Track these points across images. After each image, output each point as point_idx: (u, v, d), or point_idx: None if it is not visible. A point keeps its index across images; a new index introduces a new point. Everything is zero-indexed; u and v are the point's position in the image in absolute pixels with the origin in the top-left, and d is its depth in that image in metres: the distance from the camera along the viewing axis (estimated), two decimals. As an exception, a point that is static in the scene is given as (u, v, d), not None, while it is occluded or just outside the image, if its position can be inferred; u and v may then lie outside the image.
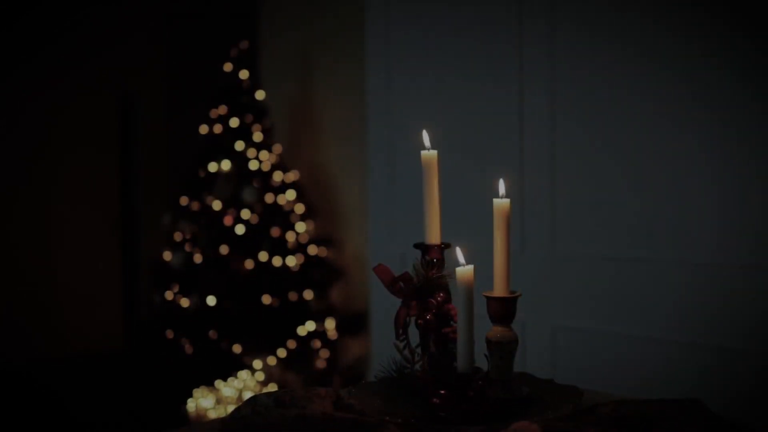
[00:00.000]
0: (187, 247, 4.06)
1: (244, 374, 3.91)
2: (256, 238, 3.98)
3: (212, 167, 4.08)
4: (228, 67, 4.16)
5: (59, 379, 4.79)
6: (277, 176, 4.09)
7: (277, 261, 3.97)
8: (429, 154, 1.58)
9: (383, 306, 3.38)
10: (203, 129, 4.16)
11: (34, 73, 4.92)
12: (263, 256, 3.95)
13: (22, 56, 4.90)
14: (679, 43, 2.74)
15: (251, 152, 4.07)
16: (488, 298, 1.50)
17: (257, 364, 3.93)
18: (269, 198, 4.04)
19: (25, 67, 4.90)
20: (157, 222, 4.49)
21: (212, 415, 3.80)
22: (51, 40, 4.96)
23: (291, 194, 4.08)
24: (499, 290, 1.51)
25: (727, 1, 2.65)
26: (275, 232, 4.01)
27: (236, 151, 4.07)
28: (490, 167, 3.09)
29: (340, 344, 4.11)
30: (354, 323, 4.08)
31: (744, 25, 2.61)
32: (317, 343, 4.00)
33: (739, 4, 2.63)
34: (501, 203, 1.51)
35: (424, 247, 1.56)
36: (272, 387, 3.89)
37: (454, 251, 1.46)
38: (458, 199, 3.13)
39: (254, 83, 4.20)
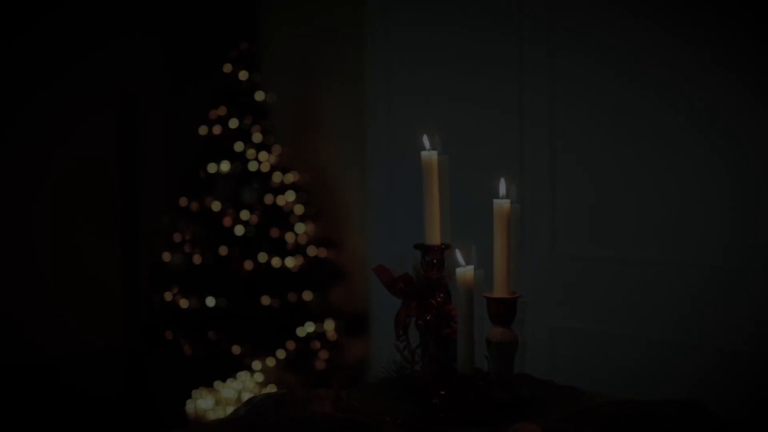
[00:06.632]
0: (187, 248, 4.05)
1: (243, 375, 3.91)
2: (256, 239, 3.98)
3: (212, 168, 4.07)
4: (228, 68, 4.15)
5: (58, 380, 4.78)
6: (277, 177, 4.08)
7: (276, 262, 3.96)
8: (429, 155, 1.58)
9: (384, 307, 3.38)
10: (203, 130, 4.15)
11: (33, 74, 4.91)
12: (263, 257, 3.95)
13: (21, 56, 4.89)
14: (681, 41, 2.74)
15: (251, 153, 4.07)
16: (488, 298, 1.50)
17: (257, 365, 3.93)
18: (269, 199, 4.03)
19: (23, 66, 4.90)
20: (156, 223, 4.48)
21: (211, 416, 3.80)
22: (49, 39, 4.95)
23: (290, 195, 4.08)
24: (499, 291, 1.51)
25: (728, 2, 2.65)
26: (275, 233, 4.01)
27: (236, 152, 4.06)
28: (490, 168, 3.09)
29: (340, 345, 4.11)
30: (354, 324, 4.08)
31: (747, 24, 2.61)
32: (317, 344, 4.00)
33: (739, 6, 2.63)
34: (501, 204, 1.51)
35: (424, 248, 1.56)
36: (272, 388, 3.89)
37: (453, 253, 1.46)
38: (458, 199, 3.12)
39: (254, 84, 4.19)
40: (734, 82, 2.64)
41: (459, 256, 1.44)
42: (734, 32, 2.63)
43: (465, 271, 1.41)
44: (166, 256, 4.10)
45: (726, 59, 2.64)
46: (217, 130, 4.12)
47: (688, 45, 2.72)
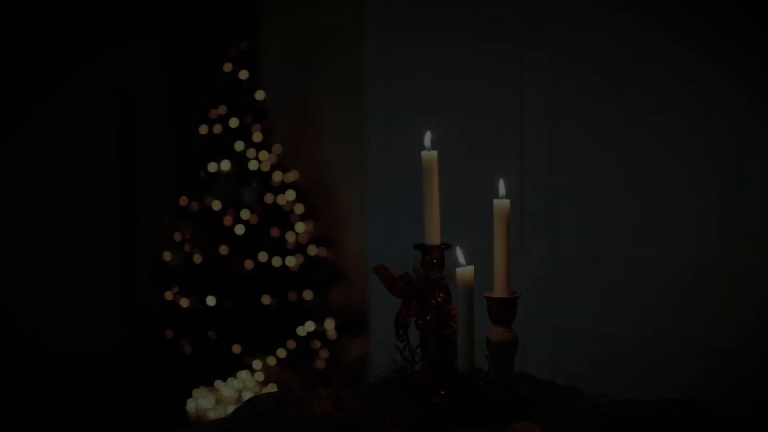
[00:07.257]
0: (187, 248, 4.05)
1: (243, 374, 3.91)
2: (256, 238, 3.98)
3: (212, 167, 4.07)
4: (228, 67, 4.15)
5: (58, 380, 4.78)
6: (277, 176, 4.08)
7: (276, 261, 3.96)
8: (429, 155, 1.58)
9: (384, 307, 3.37)
10: (203, 129, 4.15)
11: (34, 74, 4.92)
12: (263, 256, 3.95)
13: (21, 56, 4.89)
14: (679, 43, 2.74)
15: (251, 152, 4.07)
16: (489, 298, 1.50)
17: (257, 364, 3.93)
18: (269, 198, 4.03)
19: (23, 67, 4.90)
20: (157, 222, 4.48)
21: (212, 415, 3.80)
22: (49, 40, 4.95)
23: (291, 194, 4.08)
24: (499, 291, 1.51)
25: (726, 4, 2.66)
26: (275, 232, 4.01)
27: (236, 152, 4.06)
28: (489, 167, 3.09)
29: (340, 345, 4.11)
30: (354, 323, 4.08)
31: (745, 26, 2.61)
32: (317, 344, 4.00)
33: (738, 6, 2.63)
34: (501, 204, 1.51)
35: (424, 248, 1.56)
36: (272, 387, 3.89)
37: (454, 251, 1.46)
38: (458, 199, 3.13)
39: (254, 84, 4.20)
40: (728, 84, 2.64)
41: (459, 255, 1.44)
42: (731, 35, 2.63)
43: (465, 271, 1.41)
44: (167, 256, 4.10)
45: (724, 63, 2.64)
46: (217, 129, 4.11)
47: (686, 48, 2.72)
